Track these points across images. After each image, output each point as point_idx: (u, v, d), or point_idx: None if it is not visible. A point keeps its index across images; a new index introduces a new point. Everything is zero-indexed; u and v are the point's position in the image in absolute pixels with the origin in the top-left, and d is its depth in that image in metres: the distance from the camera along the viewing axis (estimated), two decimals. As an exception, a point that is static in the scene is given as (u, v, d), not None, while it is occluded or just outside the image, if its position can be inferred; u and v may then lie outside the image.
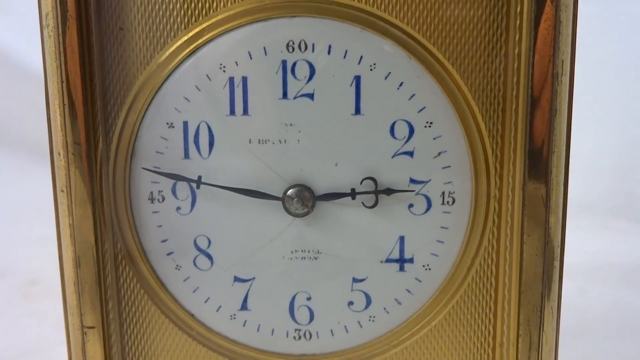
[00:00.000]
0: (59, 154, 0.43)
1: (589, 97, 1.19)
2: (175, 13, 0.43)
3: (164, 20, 0.43)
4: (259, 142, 0.43)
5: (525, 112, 0.40)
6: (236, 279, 0.45)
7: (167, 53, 0.43)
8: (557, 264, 0.41)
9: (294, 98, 0.43)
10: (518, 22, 0.41)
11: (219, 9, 0.42)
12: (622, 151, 1.30)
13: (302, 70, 0.42)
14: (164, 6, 0.43)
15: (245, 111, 0.43)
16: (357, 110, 0.43)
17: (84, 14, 0.41)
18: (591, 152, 1.24)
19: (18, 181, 1.13)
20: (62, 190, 0.43)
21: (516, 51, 0.41)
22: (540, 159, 0.40)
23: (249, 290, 0.45)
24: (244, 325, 0.46)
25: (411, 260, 0.44)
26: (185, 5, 0.42)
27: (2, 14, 1.17)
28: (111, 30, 0.43)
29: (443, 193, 0.43)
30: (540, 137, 0.40)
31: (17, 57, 1.20)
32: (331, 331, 0.46)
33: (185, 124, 0.44)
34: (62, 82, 0.41)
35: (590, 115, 1.22)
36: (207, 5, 0.42)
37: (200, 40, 0.43)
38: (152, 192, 0.45)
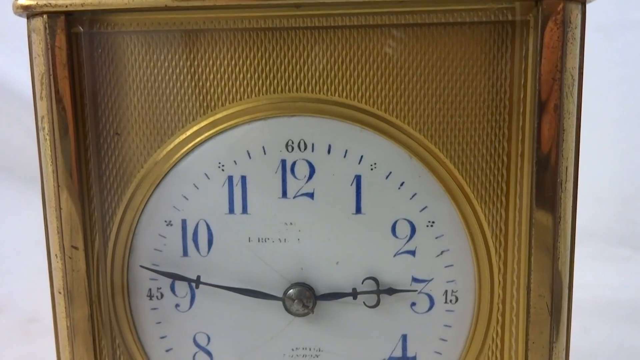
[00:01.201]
0: (56, 256, 0.42)
1: (592, 125, 1.18)
2: (172, 111, 0.42)
3: (162, 118, 0.42)
4: (259, 241, 0.43)
5: (529, 213, 0.40)
6: (236, 376, 0.45)
7: (165, 151, 0.42)
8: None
9: (294, 197, 0.42)
10: (521, 123, 0.40)
11: (217, 108, 0.42)
12: (626, 179, 1.30)
13: (302, 170, 0.42)
14: (161, 104, 0.42)
15: (245, 210, 0.42)
16: (358, 210, 0.42)
17: (80, 118, 0.41)
18: (594, 180, 1.23)
19: (17, 210, 1.12)
20: (60, 292, 0.42)
21: (519, 151, 0.40)
22: (546, 264, 0.39)
23: (249, 387, 0.45)
24: (244, 421, 0.45)
25: (414, 359, 0.43)
26: (183, 104, 0.42)
27: (1, 42, 1.16)
28: (107, 131, 0.42)
29: (446, 292, 0.43)
30: (545, 240, 0.39)
31: (16, 85, 1.20)
32: None
33: (184, 222, 0.43)
34: (57, 186, 0.41)
35: (593, 143, 1.21)
36: (205, 104, 0.42)
37: (198, 139, 0.42)
38: (150, 289, 0.44)
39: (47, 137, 0.41)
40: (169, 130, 0.42)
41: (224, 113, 0.42)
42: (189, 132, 0.42)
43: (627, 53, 1.25)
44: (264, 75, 0.41)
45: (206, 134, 0.42)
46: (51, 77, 0.40)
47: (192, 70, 0.41)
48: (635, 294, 1.01)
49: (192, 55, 0.41)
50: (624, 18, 1.24)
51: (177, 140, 0.42)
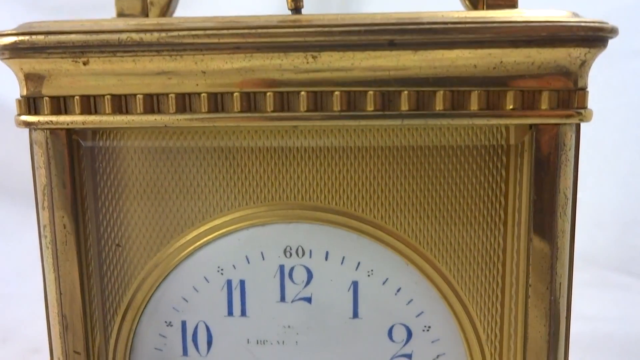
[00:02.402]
0: (59, 359, 0.43)
1: (593, 150, 1.19)
2: (172, 216, 0.43)
3: (161, 222, 0.43)
4: (258, 343, 0.43)
5: (524, 320, 0.40)
6: None
7: (166, 255, 0.43)
8: None
9: (292, 301, 0.43)
10: (516, 233, 0.40)
11: (216, 213, 0.42)
12: (625, 204, 1.30)
13: (300, 275, 0.42)
14: (160, 209, 0.43)
15: (244, 312, 0.43)
16: (355, 314, 0.43)
17: (81, 226, 0.42)
18: (594, 205, 1.23)
19: (19, 233, 1.13)
20: (62, 394, 0.43)
21: (514, 262, 0.41)
22: (538, 378, 0.40)
23: None
24: None
25: None
26: (182, 210, 0.42)
27: (3, 65, 1.17)
28: (109, 234, 0.43)
29: (442, 394, 0.43)
30: (539, 349, 0.40)
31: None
32: None
33: (184, 323, 0.44)
34: (60, 294, 0.42)
35: (594, 168, 1.21)
36: (205, 210, 0.42)
37: (197, 244, 0.43)
38: (151, 387, 0.45)
39: (49, 246, 0.41)
40: (168, 234, 0.43)
41: (223, 219, 0.42)
42: (188, 237, 0.43)
43: (628, 80, 1.25)
44: (262, 183, 0.42)
45: (205, 239, 0.43)
46: (52, 190, 0.40)
47: (192, 176, 0.42)
48: (634, 327, 1.01)
49: (191, 163, 0.42)
50: (626, 46, 1.24)
51: (177, 244, 0.43)
